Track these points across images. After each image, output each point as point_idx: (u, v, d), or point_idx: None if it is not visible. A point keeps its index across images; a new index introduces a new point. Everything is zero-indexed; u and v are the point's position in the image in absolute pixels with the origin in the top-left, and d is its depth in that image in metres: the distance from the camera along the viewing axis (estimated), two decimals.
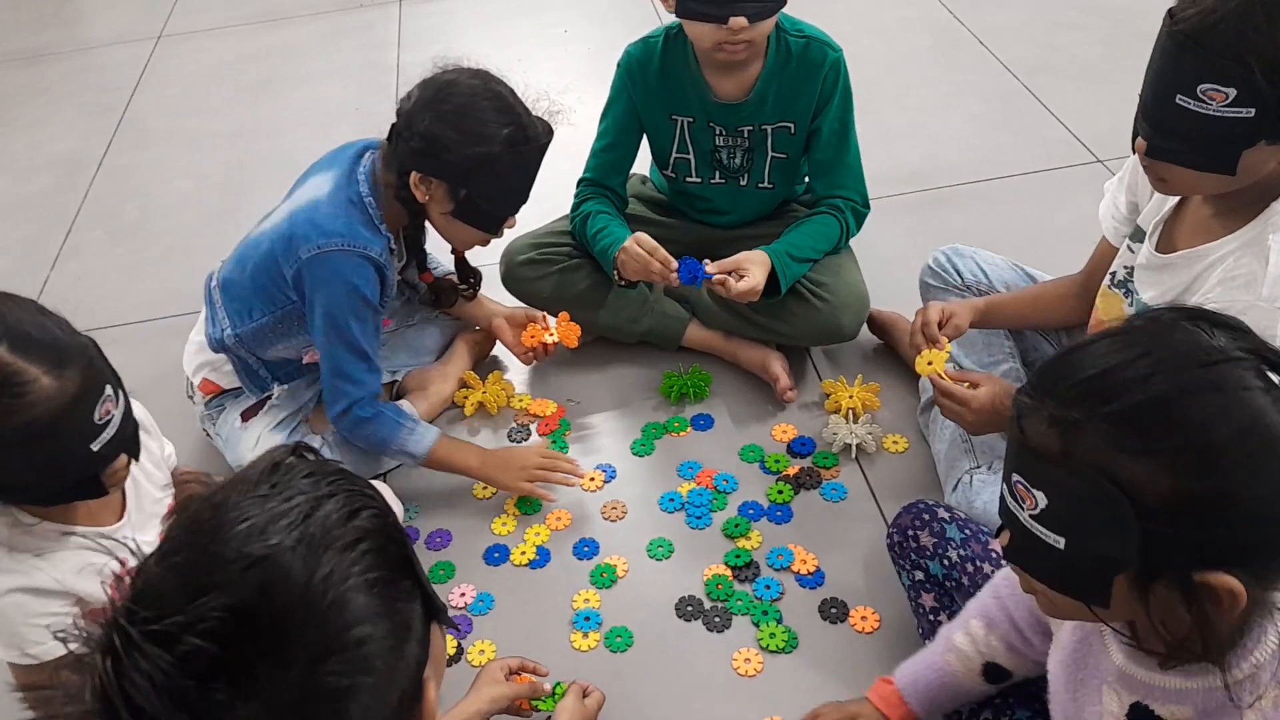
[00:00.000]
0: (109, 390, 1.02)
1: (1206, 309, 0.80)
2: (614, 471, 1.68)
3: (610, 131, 1.79)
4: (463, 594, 1.51)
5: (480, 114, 1.45)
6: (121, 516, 1.14)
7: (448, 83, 1.48)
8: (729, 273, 1.61)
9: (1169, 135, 1.14)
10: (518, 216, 1.59)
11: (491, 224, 1.55)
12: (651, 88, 1.70)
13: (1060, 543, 0.78)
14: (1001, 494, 0.85)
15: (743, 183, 1.78)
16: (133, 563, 1.10)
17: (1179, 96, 1.10)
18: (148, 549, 1.14)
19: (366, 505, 0.65)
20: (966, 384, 1.41)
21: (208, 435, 1.67)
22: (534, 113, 1.52)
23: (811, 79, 1.65)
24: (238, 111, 2.80)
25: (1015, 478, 0.81)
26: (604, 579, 1.51)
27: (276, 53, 3.09)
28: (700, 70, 1.67)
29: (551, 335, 1.75)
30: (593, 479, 1.66)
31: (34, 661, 1.05)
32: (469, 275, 1.76)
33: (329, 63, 3.07)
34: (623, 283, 1.72)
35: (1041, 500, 0.78)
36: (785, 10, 1.62)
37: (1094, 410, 0.75)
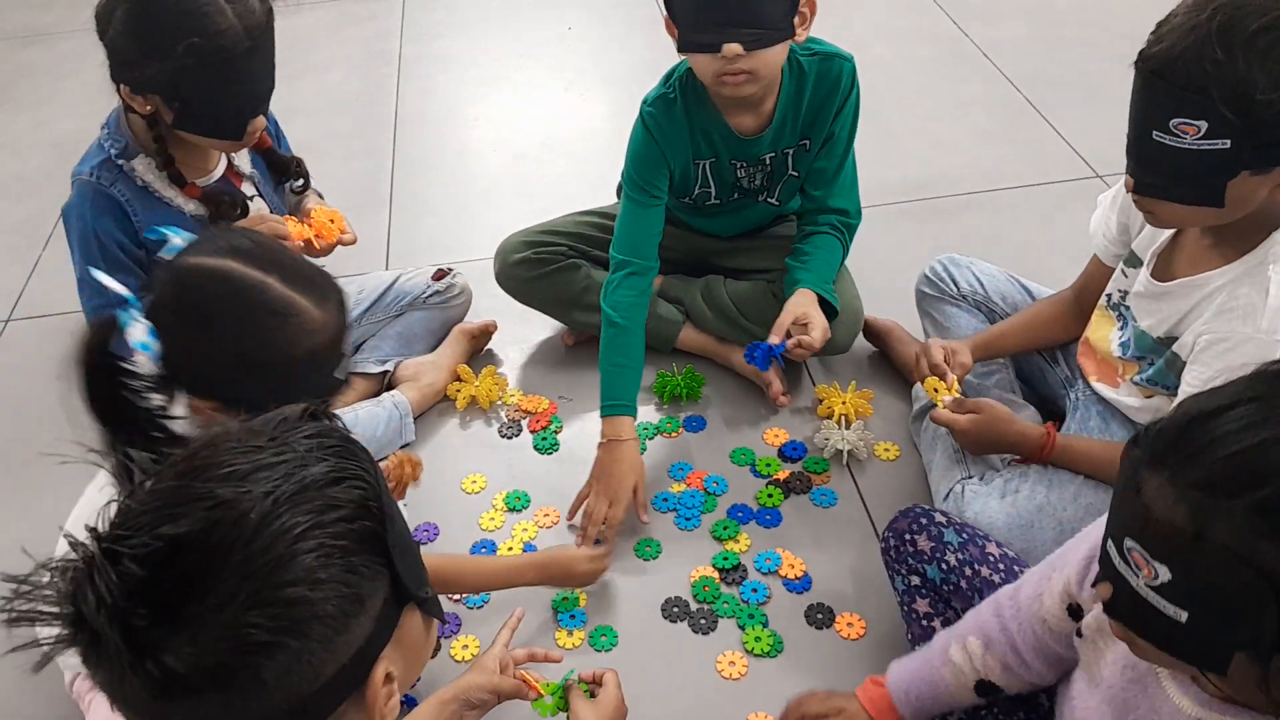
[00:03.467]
0: (349, 324, 1.08)
1: None
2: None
3: (638, 197, 1.66)
4: None
5: (160, 18, 1.30)
6: None
7: None
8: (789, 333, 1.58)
9: (1152, 171, 1.15)
10: (264, 116, 1.46)
11: (224, 132, 1.42)
12: (680, 139, 1.64)
13: (1183, 616, 0.74)
14: (1105, 548, 0.80)
15: (760, 199, 1.77)
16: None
17: (1155, 132, 1.11)
18: None
19: (354, 477, 0.65)
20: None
21: None
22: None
23: (831, 95, 1.62)
24: None
25: (1130, 544, 0.76)
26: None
27: (281, 39, 3.07)
28: (720, 111, 1.61)
29: (308, 230, 1.57)
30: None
31: None
32: (285, 168, 1.62)
33: (332, 52, 3.06)
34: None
35: (1165, 574, 0.74)
36: None
37: (1238, 495, 0.70)
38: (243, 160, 1.56)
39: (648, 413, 1.79)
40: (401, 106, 2.77)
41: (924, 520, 1.30)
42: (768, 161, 1.69)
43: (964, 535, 1.28)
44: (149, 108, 1.37)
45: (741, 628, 1.44)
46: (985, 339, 1.58)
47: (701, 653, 1.41)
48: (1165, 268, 1.31)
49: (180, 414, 1.00)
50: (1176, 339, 1.29)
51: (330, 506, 0.63)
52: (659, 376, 1.81)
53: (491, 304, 1.93)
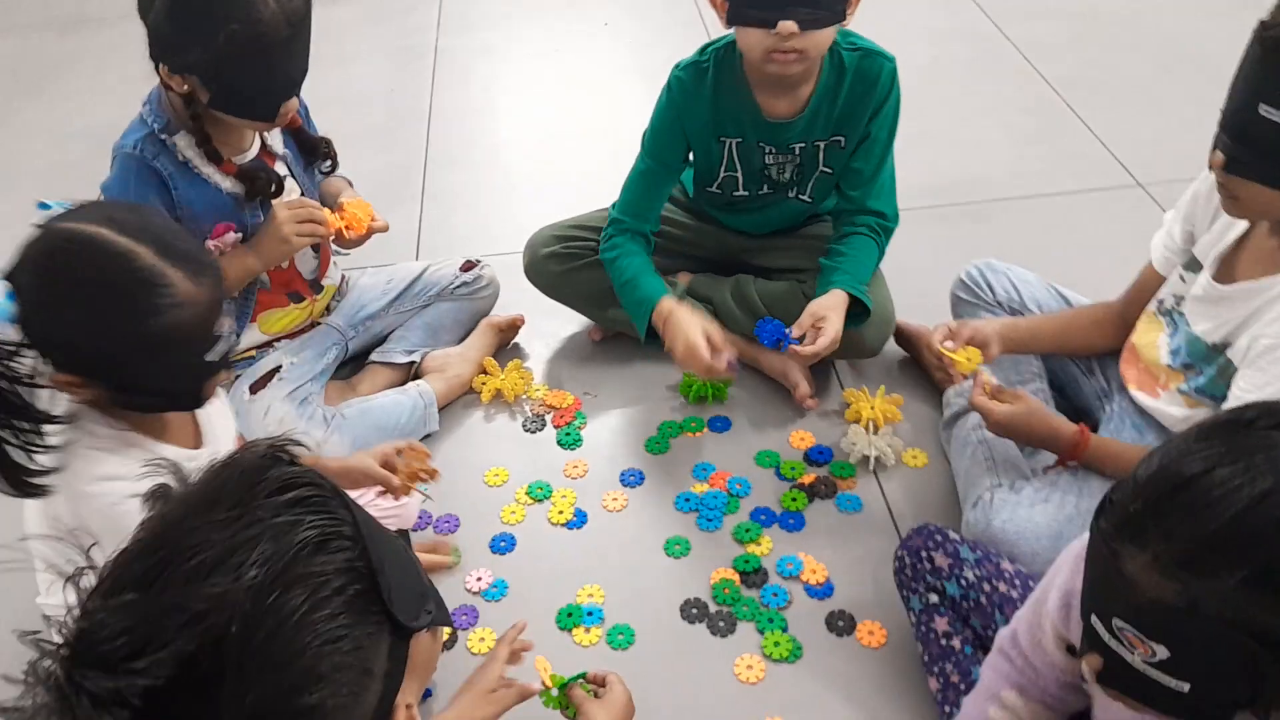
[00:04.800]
0: (226, 305, 1.06)
1: None
2: (641, 476, 1.66)
3: (652, 163, 1.70)
4: (479, 578, 1.49)
5: (203, 2, 1.32)
6: (200, 445, 1.15)
7: None
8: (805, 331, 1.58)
9: (1249, 148, 1.10)
10: (297, 97, 1.47)
11: (258, 114, 1.44)
12: (702, 110, 1.64)
13: (1185, 687, 0.73)
14: (1090, 623, 0.78)
15: (791, 194, 1.75)
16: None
17: (1263, 106, 1.06)
18: None
19: (336, 535, 0.60)
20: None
21: None
22: None
23: (869, 93, 1.60)
24: None
25: (1120, 624, 0.74)
26: (609, 575, 1.49)
27: (319, 30, 3.09)
28: (751, 90, 1.61)
29: (339, 220, 1.58)
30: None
31: None
32: (314, 149, 1.62)
33: (369, 44, 3.08)
34: (653, 336, 1.66)
35: (1163, 652, 0.72)
36: None
37: (1228, 571, 0.68)
38: (275, 140, 1.57)
39: (672, 411, 1.77)
40: (436, 99, 2.77)
41: (939, 537, 1.28)
42: (797, 152, 1.67)
43: (979, 552, 1.26)
44: (186, 87, 1.38)
45: (761, 632, 1.42)
46: (1017, 332, 1.53)
47: (719, 655, 1.39)
48: (1228, 271, 1.28)
49: (44, 384, 0.98)
50: (1230, 345, 1.26)
51: (320, 583, 0.58)
52: (685, 376, 1.79)
53: (520, 298, 1.92)
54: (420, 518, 1.58)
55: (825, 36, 1.49)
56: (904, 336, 1.84)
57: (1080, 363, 1.60)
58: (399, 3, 3.30)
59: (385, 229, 1.65)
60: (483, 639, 1.41)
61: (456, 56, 2.95)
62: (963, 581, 1.26)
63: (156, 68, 1.39)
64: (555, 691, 1.17)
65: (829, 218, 1.82)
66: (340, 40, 3.06)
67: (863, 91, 1.60)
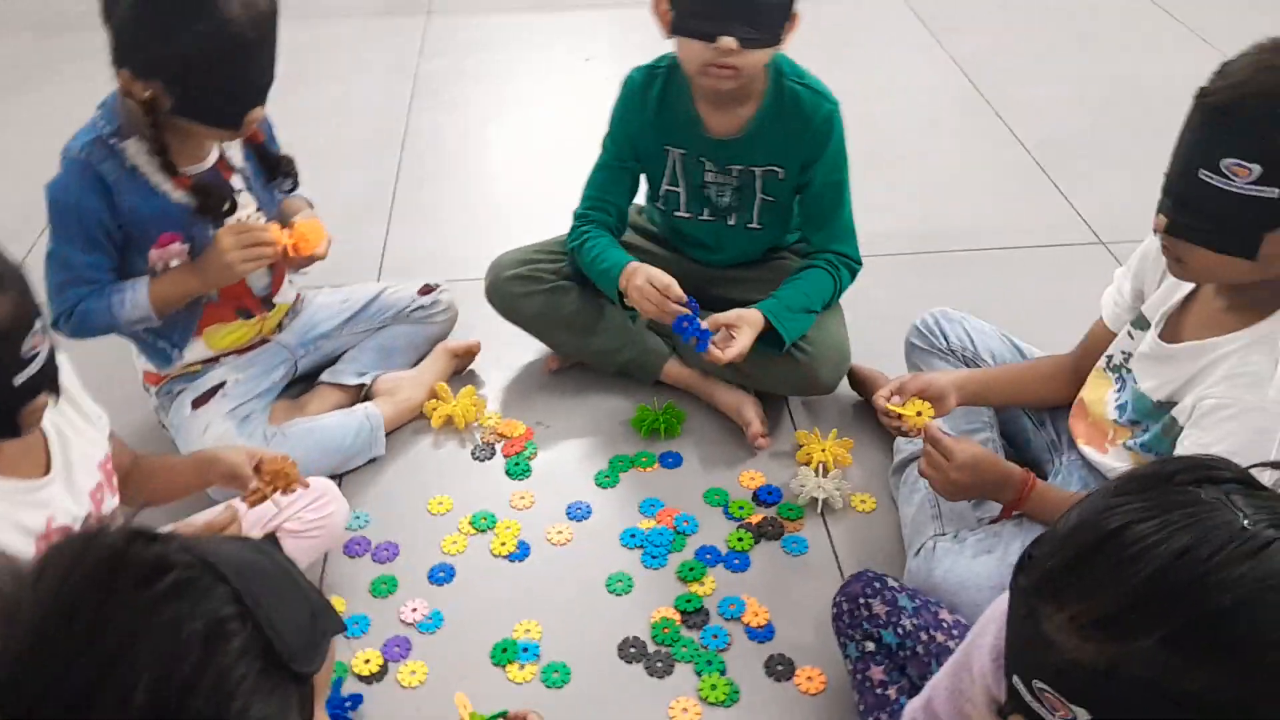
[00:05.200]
0: (38, 324, 0.97)
1: (1203, 457, 0.72)
2: (588, 509, 1.64)
3: (609, 158, 1.77)
4: (414, 609, 1.46)
5: (169, 3, 1.29)
6: (47, 472, 1.08)
7: None
8: (718, 330, 1.61)
9: (1190, 212, 1.11)
10: (262, 105, 1.44)
11: (223, 121, 1.41)
12: (648, 114, 1.69)
13: None
14: (1012, 683, 0.75)
15: (730, 222, 1.76)
16: (58, 521, 1.06)
17: (1202, 171, 1.07)
18: (77, 508, 1.08)
19: (221, 617, 0.55)
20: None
21: (164, 427, 1.63)
22: None
23: (804, 128, 1.64)
24: None
25: (1040, 685, 0.72)
26: (548, 610, 1.47)
27: (304, 47, 3.11)
28: (695, 103, 1.65)
29: (288, 239, 1.53)
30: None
31: None
32: (275, 167, 1.59)
33: (352, 63, 3.09)
34: (626, 307, 1.70)
35: (1084, 716, 0.70)
36: (796, 59, 1.61)
37: (1146, 633, 0.65)
38: (235, 153, 1.55)
39: (623, 444, 1.75)
40: (412, 121, 2.77)
41: (877, 585, 1.27)
42: (735, 174, 1.69)
43: (918, 601, 1.25)
44: (149, 93, 1.36)
45: (699, 674, 1.39)
46: (971, 383, 1.52)
47: (655, 697, 1.37)
48: (1174, 330, 1.28)
49: None
50: (1176, 404, 1.26)
51: (218, 682, 0.54)
52: (639, 410, 1.78)
53: (479, 325, 1.90)
54: (358, 545, 1.55)
55: (760, 57, 1.54)
56: (858, 380, 1.84)
57: (1032, 415, 1.60)
58: (384, 25, 3.31)
59: (323, 257, 1.59)
60: (414, 671, 1.38)
61: (436, 81, 2.96)
62: (900, 630, 1.25)
63: (118, 73, 1.38)
64: None
65: (791, 254, 1.83)
66: (323, 57, 3.07)
67: (800, 125, 1.64)
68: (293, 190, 1.65)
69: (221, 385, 1.59)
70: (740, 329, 1.60)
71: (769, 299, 1.67)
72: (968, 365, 1.65)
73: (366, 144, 2.67)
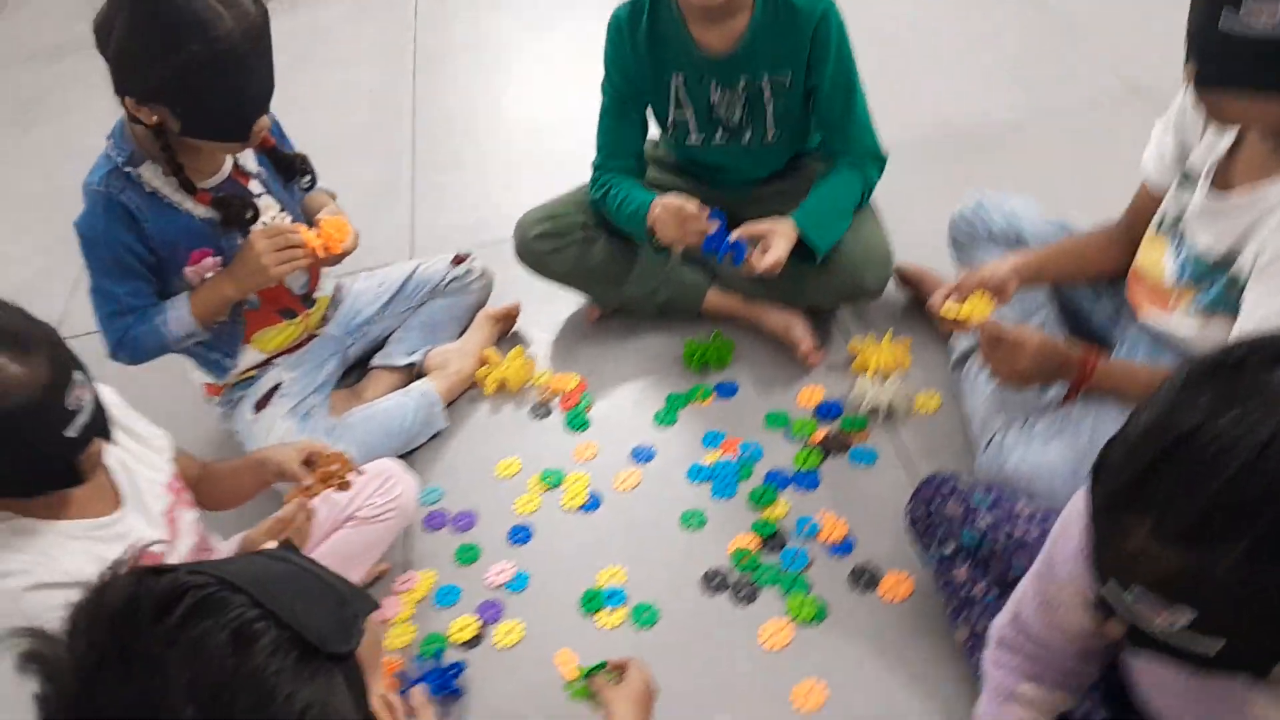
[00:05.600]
0: (78, 375, 1.01)
1: (1272, 335, 0.68)
2: (652, 451, 1.64)
3: (611, 103, 1.72)
4: (500, 572, 1.49)
5: (159, 27, 1.28)
6: (117, 506, 1.13)
7: None
8: (754, 242, 1.57)
9: (1217, 60, 1.07)
10: (267, 114, 1.43)
11: (231, 135, 1.41)
12: (641, 48, 1.64)
13: (1216, 646, 0.68)
14: (1104, 590, 0.73)
15: (745, 140, 1.72)
16: (143, 547, 1.10)
17: (1225, 15, 1.02)
18: (155, 533, 1.12)
19: (243, 622, 0.58)
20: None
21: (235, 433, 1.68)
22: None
23: (801, 29, 1.58)
24: None
25: (1136, 591, 0.69)
26: (628, 555, 1.49)
27: (299, 34, 3.09)
28: (686, 24, 1.60)
29: (317, 239, 1.54)
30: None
31: None
32: (290, 167, 1.59)
33: (350, 45, 3.07)
34: (658, 248, 1.68)
35: (1185, 616, 0.67)
36: None
37: (1232, 540, 0.63)
38: (248, 159, 1.56)
39: (676, 382, 1.75)
40: (419, 95, 2.75)
41: (949, 486, 1.26)
42: (741, 89, 1.64)
43: (992, 496, 1.23)
44: (155, 118, 1.37)
45: (784, 596, 1.41)
46: (1027, 267, 1.45)
47: (745, 624, 1.39)
48: (1223, 179, 1.23)
49: None
50: (1235, 259, 1.21)
51: (256, 681, 0.57)
52: (687, 345, 1.77)
53: (516, 286, 1.91)
54: (436, 518, 1.58)
55: None
56: (907, 277, 1.80)
57: (1089, 289, 1.55)
58: (378, 1, 3.27)
59: (354, 249, 1.60)
60: (509, 632, 1.42)
61: (436, 50, 2.93)
62: (977, 529, 1.24)
63: (123, 101, 1.38)
64: (581, 683, 1.17)
65: (815, 159, 1.78)
66: (320, 43, 3.05)
67: (796, 29, 1.58)
68: (312, 187, 1.66)
69: (278, 386, 1.62)
70: (773, 238, 1.56)
71: (798, 210, 1.64)
72: (1013, 249, 1.60)
73: (377, 125, 2.66)
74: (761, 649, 1.36)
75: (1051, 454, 1.33)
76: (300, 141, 1.65)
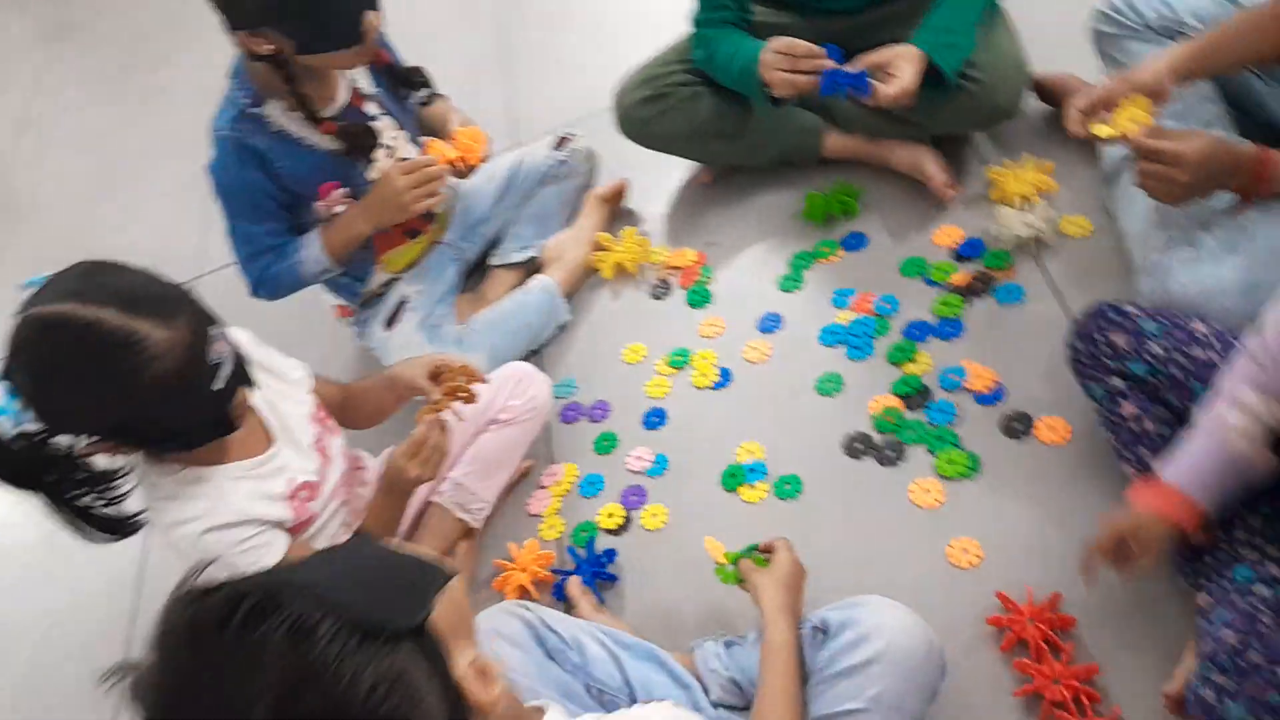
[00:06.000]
0: (214, 330, 1.05)
1: None
2: (779, 319, 1.58)
3: None
4: (639, 457, 1.50)
5: None
6: (270, 444, 1.20)
7: None
8: (874, 73, 1.43)
9: None
10: (376, 11, 1.39)
11: (343, 38, 1.38)
12: None
13: None
14: None
15: None
16: (297, 480, 1.17)
17: None
18: (308, 463, 1.18)
19: (300, 616, 0.60)
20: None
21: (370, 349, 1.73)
22: None
23: None
24: None
25: None
26: (765, 428, 1.46)
27: None
28: None
29: (454, 151, 1.57)
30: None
31: None
32: (408, 80, 1.59)
33: None
34: (774, 100, 1.56)
35: None
36: None
37: None
38: (363, 81, 1.55)
39: (800, 240, 1.66)
40: None
41: (1113, 315, 1.14)
42: None
43: (1162, 320, 1.11)
44: (269, 46, 1.36)
45: (932, 453, 1.35)
46: (1186, 60, 1.25)
47: (892, 486, 1.34)
48: None
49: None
50: None
51: (321, 671, 0.59)
52: (808, 198, 1.67)
53: (622, 160, 1.83)
54: (572, 410, 1.60)
55: None
56: (1045, 89, 1.62)
57: (1261, 72, 1.34)
58: None
59: (490, 157, 1.63)
60: (655, 515, 1.43)
61: None
62: (1149, 358, 1.12)
63: (235, 39, 1.38)
64: (730, 567, 1.18)
65: None
66: None
67: None
68: (430, 100, 1.64)
69: (404, 301, 1.65)
70: (898, 64, 1.42)
71: (919, 31, 1.48)
72: (1172, 39, 1.39)
73: (462, 8, 2.58)
74: (913, 509, 1.31)
75: (1225, 273, 1.18)
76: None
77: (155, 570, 1.67)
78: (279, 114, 1.45)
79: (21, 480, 1.01)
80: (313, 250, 1.51)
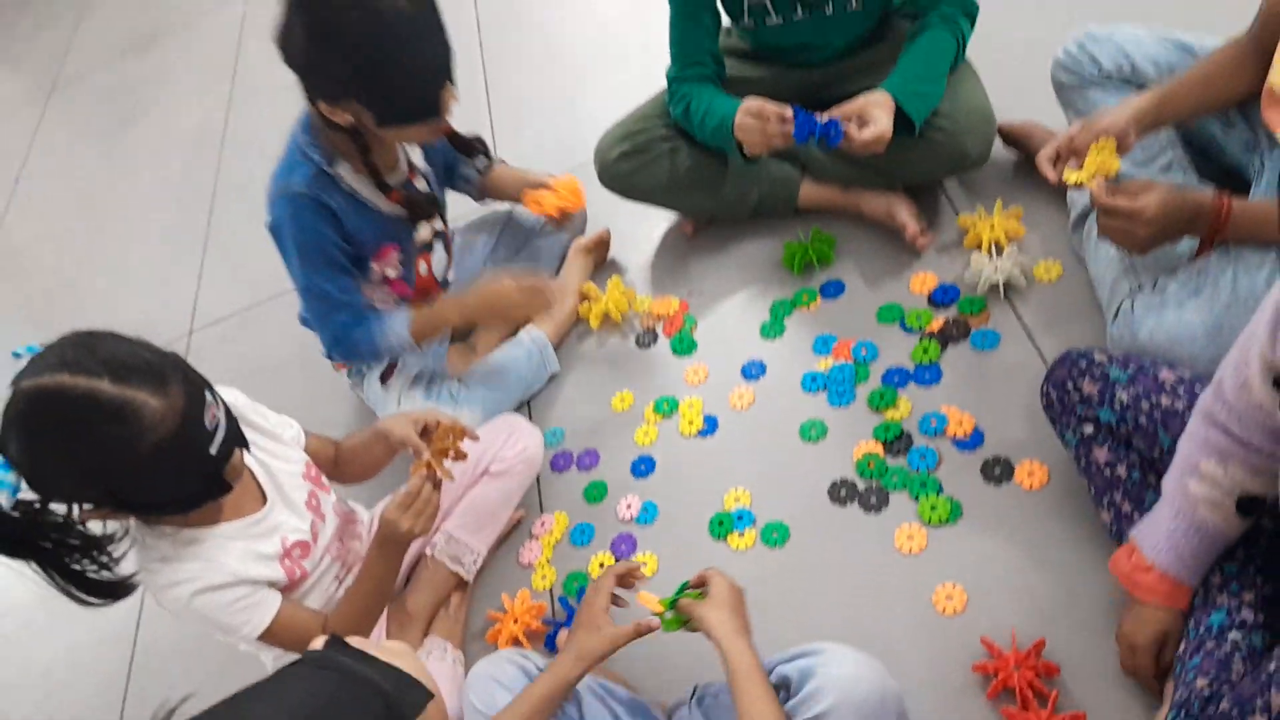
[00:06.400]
0: (209, 396, 1.07)
1: None
2: (762, 365, 1.62)
3: (680, 5, 1.63)
4: (628, 505, 1.53)
5: (335, 20, 1.31)
6: (263, 503, 1.21)
7: None
8: (849, 120, 1.48)
9: None
10: (456, 88, 1.42)
11: (425, 114, 1.41)
12: None
13: None
14: None
15: (828, 10, 1.60)
16: (290, 539, 1.19)
17: None
18: (301, 522, 1.19)
19: (361, 686, 0.63)
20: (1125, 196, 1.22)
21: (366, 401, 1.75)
22: None
23: None
24: None
25: None
26: (751, 475, 1.49)
27: None
28: None
29: (558, 200, 1.72)
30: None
31: (260, 632, 1.18)
32: (471, 148, 1.65)
33: None
34: (749, 159, 1.61)
35: None
36: None
37: None
38: (416, 157, 1.61)
39: (780, 288, 1.70)
40: (484, 39, 2.68)
41: (1083, 363, 1.18)
42: None
43: (1131, 368, 1.15)
44: (349, 117, 1.40)
45: (915, 498, 1.38)
46: (1148, 108, 1.31)
47: (877, 532, 1.37)
48: None
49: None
50: None
51: None
52: (786, 247, 1.71)
53: (603, 209, 1.87)
54: (562, 459, 1.62)
55: None
56: (1013, 137, 1.67)
57: (1218, 117, 1.39)
58: None
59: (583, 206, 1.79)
60: (644, 564, 1.45)
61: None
62: (1116, 405, 1.16)
63: (316, 107, 1.41)
64: (669, 613, 1.16)
65: (901, 19, 1.66)
66: None
67: None
68: (489, 166, 1.71)
69: (399, 356, 1.67)
70: (871, 111, 1.47)
71: (889, 78, 1.53)
72: (1129, 86, 1.44)
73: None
74: (898, 555, 1.34)
75: (1189, 317, 1.23)
76: None
77: (150, 624, 1.68)
78: (350, 176, 1.49)
79: (18, 549, 1.02)
80: (400, 329, 1.55)
